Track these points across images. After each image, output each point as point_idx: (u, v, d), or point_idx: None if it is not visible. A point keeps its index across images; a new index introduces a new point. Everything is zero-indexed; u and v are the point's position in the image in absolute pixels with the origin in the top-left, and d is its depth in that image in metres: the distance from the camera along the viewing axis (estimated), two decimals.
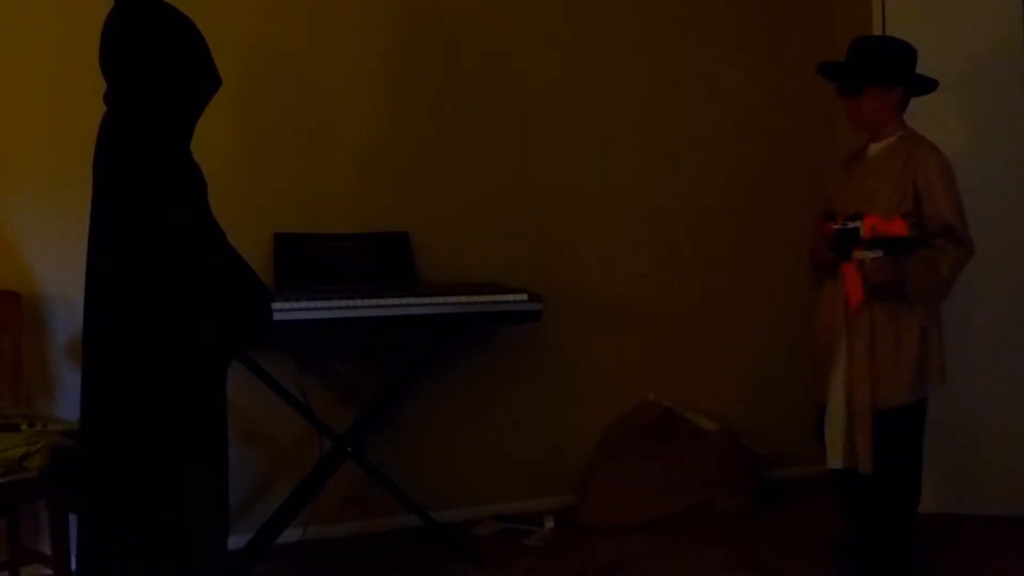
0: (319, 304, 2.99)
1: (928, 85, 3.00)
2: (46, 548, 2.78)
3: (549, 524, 3.67)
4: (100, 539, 2.22)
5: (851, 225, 2.90)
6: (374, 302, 3.06)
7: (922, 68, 3.05)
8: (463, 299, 3.19)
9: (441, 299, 3.16)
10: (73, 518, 2.45)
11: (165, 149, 2.24)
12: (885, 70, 2.92)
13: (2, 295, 3.06)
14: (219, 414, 2.33)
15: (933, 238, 2.87)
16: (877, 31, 3.72)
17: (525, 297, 3.25)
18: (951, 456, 3.64)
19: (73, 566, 2.39)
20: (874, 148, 3.03)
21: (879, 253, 2.84)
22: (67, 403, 3.08)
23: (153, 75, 2.24)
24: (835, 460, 2.99)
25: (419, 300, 3.13)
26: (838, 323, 2.97)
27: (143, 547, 2.19)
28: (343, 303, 3.02)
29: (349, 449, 3.27)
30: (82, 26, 3.17)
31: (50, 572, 2.82)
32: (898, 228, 2.85)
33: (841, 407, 2.96)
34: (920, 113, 3.11)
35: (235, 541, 3.36)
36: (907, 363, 2.87)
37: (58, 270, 3.14)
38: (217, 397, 2.33)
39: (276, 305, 2.91)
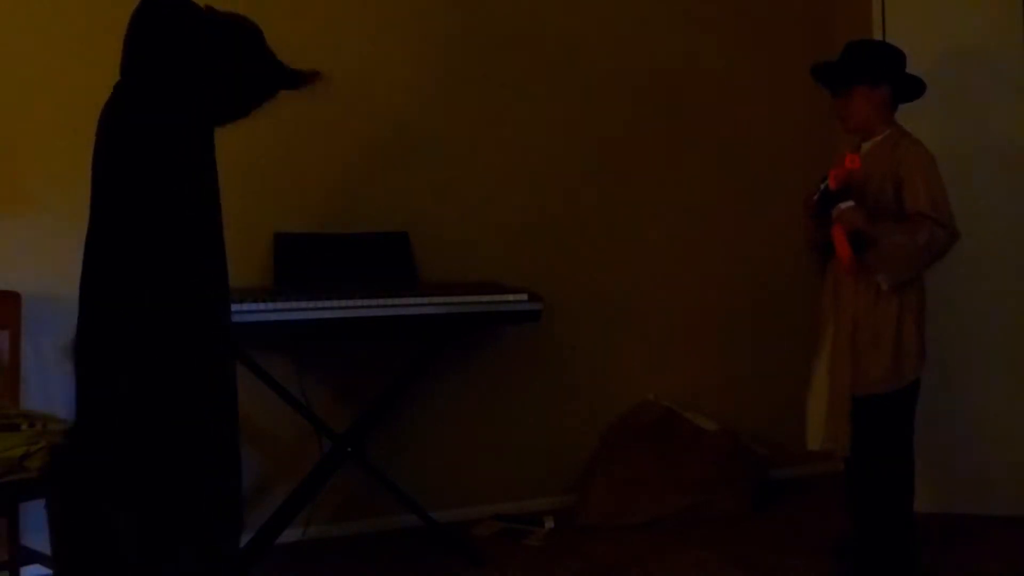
0: (319, 304, 2.99)
1: (916, 87, 3.03)
2: (46, 548, 2.78)
3: (549, 524, 3.67)
4: (98, 538, 2.18)
5: (822, 185, 2.95)
6: (374, 302, 3.06)
7: (921, 68, 3.06)
8: (463, 299, 3.19)
9: (441, 299, 3.16)
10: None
11: (173, 149, 2.22)
12: (871, 69, 2.99)
13: (2, 295, 3.06)
14: (226, 407, 2.28)
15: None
16: (877, 31, 3.72)
17: (525, 297, 3.25)
18: (951, 456, 3.65)
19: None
20: (865, 147, 3.09)
21: (851, 203, 2.88)
22: (67, 403, 3.07)
23: (168, 77, 2.21)
24: (814, 442, 3.06)
25: (419, 300, 3.13)
26: (827, 308, 3.05)
27: (153, 543, 2.16)
28: (343, 303, 3.02)
29: (349, 449, 3.27)
30: (86, 23, 3.19)
31: (50, 572, 2.82)
32: (848, 162, 2.90)
33: (824, 390, 3.03)
34: (919, 113, 3.12)
35: None
36: (884, 353, 2.92)
37: (58, 270, 3.14)
38: (226, 389, 2.28)
39: (276, 305, 2.94)
